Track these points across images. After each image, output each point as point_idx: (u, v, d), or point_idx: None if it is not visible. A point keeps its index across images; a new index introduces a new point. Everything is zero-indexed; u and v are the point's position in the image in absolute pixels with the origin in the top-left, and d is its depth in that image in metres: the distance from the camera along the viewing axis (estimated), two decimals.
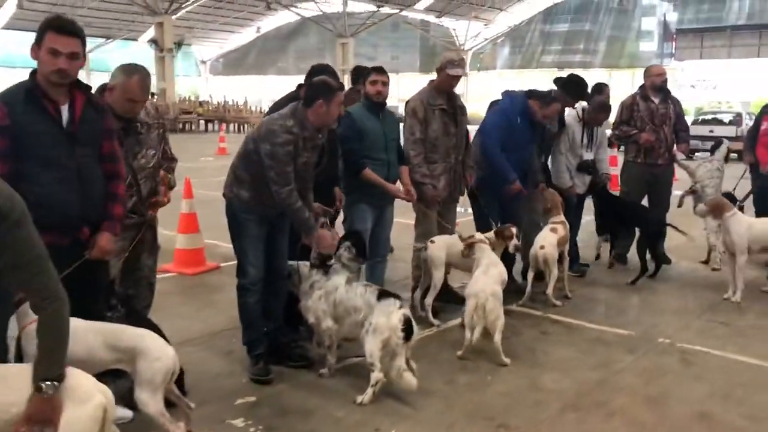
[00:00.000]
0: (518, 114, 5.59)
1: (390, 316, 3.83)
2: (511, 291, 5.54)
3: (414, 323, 3.91)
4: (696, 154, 15.19)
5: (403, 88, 53.84)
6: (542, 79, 44.13)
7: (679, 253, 7.49)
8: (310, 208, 4.17)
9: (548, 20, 50.81)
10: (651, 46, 50.57)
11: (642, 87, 7.13)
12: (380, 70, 4.99)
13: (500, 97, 5.95)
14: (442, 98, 5.32)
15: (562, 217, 5.89)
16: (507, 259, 5.28)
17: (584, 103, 6.55)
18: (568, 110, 6.60)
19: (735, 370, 4.44)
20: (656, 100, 6.98)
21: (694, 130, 20.86)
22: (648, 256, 6.52)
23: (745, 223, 5.99)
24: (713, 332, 5.16)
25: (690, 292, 6.24)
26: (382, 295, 3.97)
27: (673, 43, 43.96)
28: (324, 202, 4.53)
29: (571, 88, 6.15)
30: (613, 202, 6.90)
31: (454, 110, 5.37)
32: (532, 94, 5.69)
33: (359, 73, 6.84)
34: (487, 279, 4.53)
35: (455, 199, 5.60)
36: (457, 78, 5.25)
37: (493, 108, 6.07)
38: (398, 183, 5.15)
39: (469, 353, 4.46)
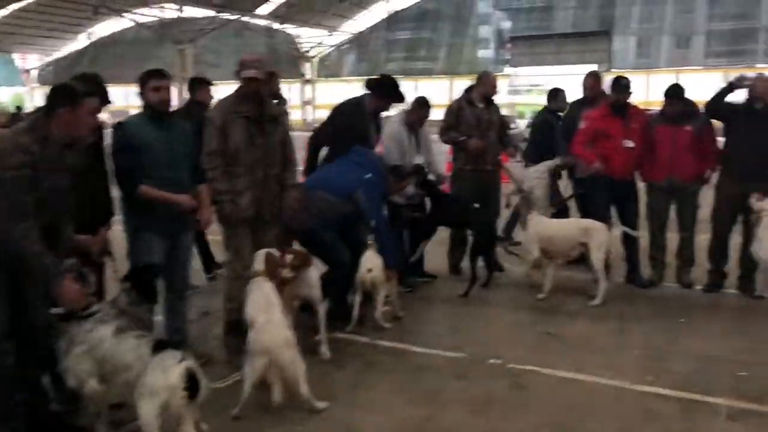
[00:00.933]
0: None
1: (167, 372, 3.11)
2: (341, 316, 5.09)
3: (201, 377, 3.20)
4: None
5: None
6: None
7: (514, 259, 7.35)
8: (67, 245, 3.36)
9: (391, 28, 51.63)
10: (488, 54, 52.93)
11: (468, 92, 6.91)
12: (161, 74, 4.22)
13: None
14: (248, 105, 4.66)
15: None
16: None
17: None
18: (392, 115, 6.26)
19: (567, 392, 4.15)
20: (480, 106, 6.78)
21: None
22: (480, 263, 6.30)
23: (539, 225, 6.14)
24: (545, 347, 4.90)
25: (523, 302, 6.02)
26: (159, 346, 3.24)
27: (508, 50, 46.11)
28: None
29: (383, 89, 5.77)
30: (448, 203, 6.59)
31: (262, 118, 4.72)
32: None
33: (196, 83, 6.64)
34: (273, 327, 3.72)
35: (267, 221, 4.81)
36: (256, 81, 4.62)
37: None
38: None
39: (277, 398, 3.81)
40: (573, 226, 6.29)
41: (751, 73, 5.97)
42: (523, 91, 46.00)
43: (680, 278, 6.49)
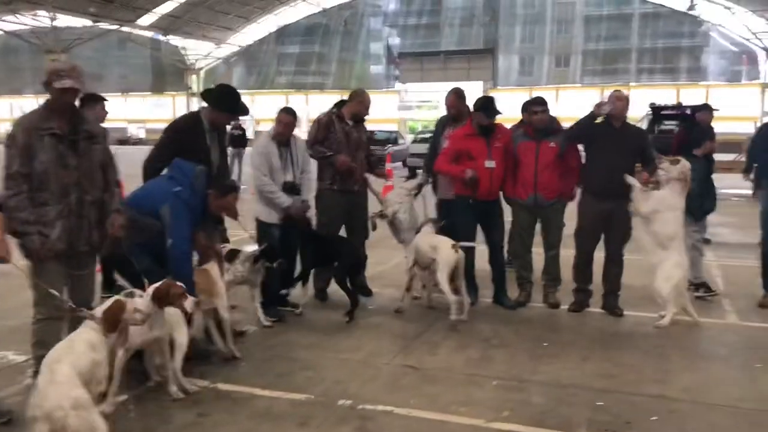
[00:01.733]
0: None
1: None
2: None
3: None
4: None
5: (133, 108, 50.65)
6: (277, 101, 44.25)
7: (383, 281, 7.03)
8: None
9: (281, 41, 51.00)
10: (379, 69, 53.36)
11: (338, 107, 6.52)
12: None
13: None
14: (58, 121, 4.03)
15: (207, 266, 4.85)
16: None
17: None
18: (263, 129, 5.78)
19: None
20: (350, 123, 6.42)
21: (415, 149, 21.88)
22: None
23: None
24: (402, 381, 4.55)
25: (387, 329, 5.68)
26: None
27: (398, 66, 46.59)
28: None
29: (220, 101, 5.28)
30: (312, 237, 6.17)
31: (76, 136, 4.10)
32: None
33: (89, 100, 5.94)
34: (56, 387, 3.07)
35: (84, 253, 4.16)
36: (71, 92, 4.02)
37: None
38: None
39: None
40: (426, 241, 6.06)
41: (606, 103, 5.90)
42: (413, 106, 46.67)
43: (547, 298, 6.37)
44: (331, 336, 5.47)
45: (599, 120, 6.11)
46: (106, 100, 6.32)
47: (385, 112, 43.35)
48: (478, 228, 6.26)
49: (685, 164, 5.83)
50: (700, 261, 6.82)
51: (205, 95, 5.38)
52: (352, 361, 4.92)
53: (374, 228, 6.73)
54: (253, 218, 5.98)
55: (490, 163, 6.05)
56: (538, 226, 6.36)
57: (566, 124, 6.38)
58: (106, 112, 6.22)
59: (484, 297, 6.43)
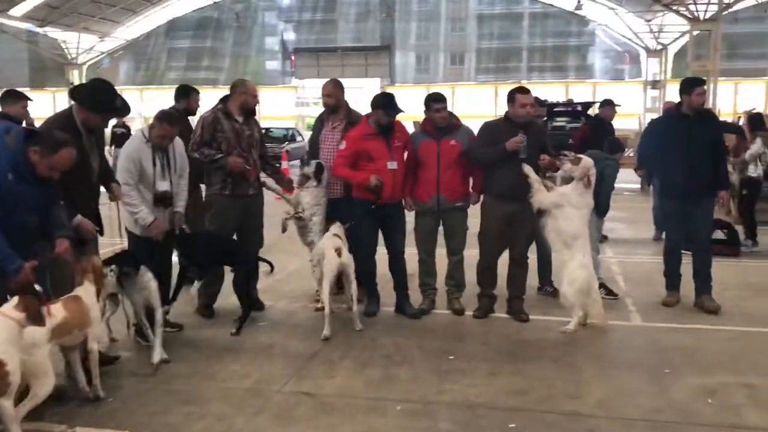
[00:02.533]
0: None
1: None
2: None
3: None
4: None
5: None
6: (167, 97, 42.27)
7: (276, 293, 6.49)
8: None
9: (170, 35, 48.89)
10: (275, 65, 52.28)
11: (223, 102, 5.86)
12: None
13: None
14: None
15: (79, 291, 4.12)
16: None
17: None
18: (135, 131, 5.16)
19: None
20: (239, 119, 5.79)
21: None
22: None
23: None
24: (295, 412, 4.04)
25: (279, 349, 5.14)
26: None
27: (293, 62, 45.72)
28: None
29: (90, 99, 4.55)
30: (198, 241, 5.56)
31: None
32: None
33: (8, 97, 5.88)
34: None
35: None
36: None
37: None
38: None
39: None
40: (318, 246, 5.67)
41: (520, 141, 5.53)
42: (311, 103, 45.97)
43: (451, 304, 6.03)
44: (216, 361, 4.87)
45: (499, 118, 5.86)
46: (29, 99, 5.99)
47: (282, 109, 42.51)
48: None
49: (587, 162, 5.62)
50: (598, 260, 6.73)
51: (75, 92, 4.61)
52: (238, 390, 4.35)
53: (284, 230, 6.18)
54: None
55: (392, 164, 5.64)
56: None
57: (465, 121, 6.07)
58: (27, 111, 5.88)
59: (387, 306, 6.03)
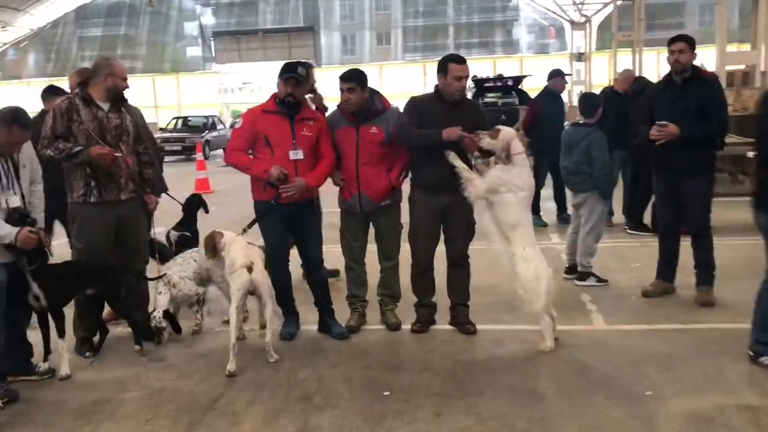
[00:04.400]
0: None
1: None
2: None
3: None
4: None
5: None
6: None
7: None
8: None
9: (80, 23, 46.06)
10: (196, 51, 50.11)
11: (83, 87, 4.69)
12: None
13: None
14: None
15: None
16: None
17: None
18: None
19: None
20: (105, 107, 4.63)
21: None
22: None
23: None
24: None
25: (169, 396, 4.07)
26: None
27: (213, 46, 43.80)
28: None
29: None
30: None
31: None
32: None
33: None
34: None
35: None
36: None
37: None
38: None
39: None
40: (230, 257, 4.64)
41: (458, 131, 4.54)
42: (234, 89, 44.10)
43: (385, 318, 5.10)
44: (87, 420, 3.78)
45: (428, 94, 4.94)
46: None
47: (205, 96, 40.73)
48: None
49: (506, 133, 4.62)
50: (595, 248, 6.13)
51: None
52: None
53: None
54: None
55: (295, 154, 4.60)
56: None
57: (394, 102, 5.11)
58: None
59: (310, 324, 5.05)
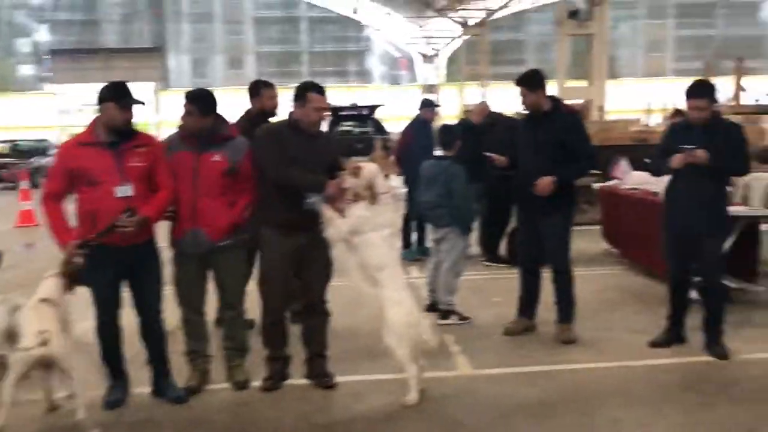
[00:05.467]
0: None
1: None
2: None
3: None
4: None
5: None
6: None
7: None
8: None
9: None
10: (30, 69, 46.61)
11: None
12: None
13: None
14: None
15: None
16: None
17: None
18: None
19: None
20: None
21: None
22: None
23: None
24: None
25: None
26: None
27: (49, 66, 40.80)
28: None
29: None
30: None
31: None
32: None
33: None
34: None
35: None
36: None
37: None
38: None
39: None
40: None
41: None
42: (75, 111, 41.16)
43: (231, 375, 4.48)
44: None
45: (282, 122, 4.47)
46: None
47: (40, 118, 37.84)
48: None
49: (368, 170, 4.29)
50: (455, 284, 5.87)
51: None
52: None
53: None
54: None
55: (123, 190, 3.90)
56: None
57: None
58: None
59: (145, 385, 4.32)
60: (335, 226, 4.14)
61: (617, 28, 42.55)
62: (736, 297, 5.96)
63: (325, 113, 4.40)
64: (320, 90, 4.31)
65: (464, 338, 5.32)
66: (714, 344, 4.86)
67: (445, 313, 5.74)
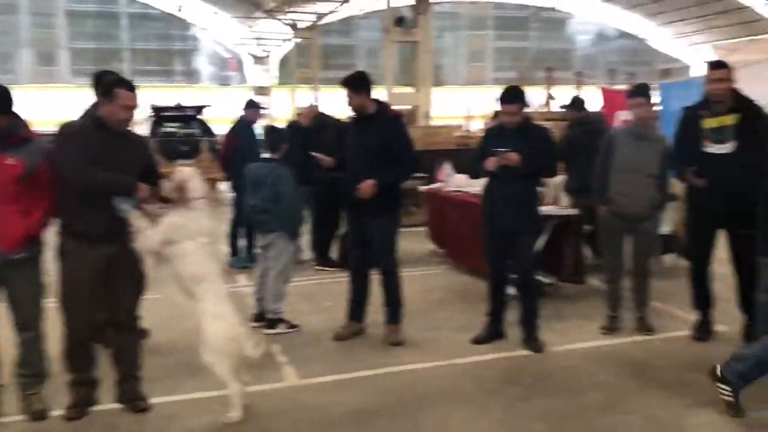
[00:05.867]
0: None
1: None
2: None
3: None
4: None
5: None
6: None
7: None
8: None
9: None
10: None
11: None
12: None
13: None
14: None
15: None
16: None
17: None
18: None
19: None
20: None
21: None
22: None
23: None
24: None
25: None
26: None
27: None
28: None
29: None
30: None
31: None
32: None
33: None
34: None
35: None
36: None
37: None
38: None
39: None
40: None
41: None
42: None
43: (28, 406, 3.95)
44: None
45: (85, 120, 4.04)
46: None
47: None
48: None
49: (181, 174, 4.02)
50: (284, 291, 5.64)
51: None
52: None
53: None
54: None
55: None
56: None
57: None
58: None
59: None
60: (145, 234, 3.80)
61: (442, 38, 44.54)
62: (550, 292, 6.35)
63: (134, 112, 4.03)
64: (130, 86, 3.94)
65: (293, 347, 5.15)
66: (530, 338, 5.10)
67: (273, 322, 5.54)
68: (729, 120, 4.82)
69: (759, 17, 32.35)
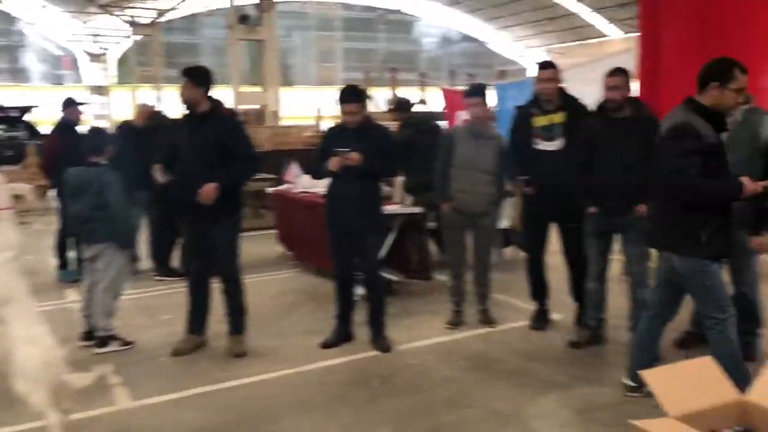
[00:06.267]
0: None
1: None
2: None
3: None
4: None
5: None
6: None
7: None
8: None
9: None
10: None
11: None
12: None
13: None
14: None
15: None
16: None
17: None
18: None
19: None
20: None
21: None
22: None
23: None
24: None
25: None
26: None
27: None
28: None
29: None
30: None
31: None
32: None
33: None
34: None
35: None
36: None
37: None
38: None
39: None
40: None
41: None
42: None
43: None
44: None
45: None
46: None
47: None
48: None
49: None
50: (114, 306, 5.23)
51: None
52: None
53: None
54: None
55: None
56: None
57: None
58: None
59: None
60: None
61: (291, 38, 44.12)
62: (398, 289, 6.38)
63: None
64: None
65: (126, 366, 4.76)
66: (378, 338, 5.06)
67: (104, 340, 5.10)
68: (557, 118, 5.05)
69: (585, 23, 35.00)
